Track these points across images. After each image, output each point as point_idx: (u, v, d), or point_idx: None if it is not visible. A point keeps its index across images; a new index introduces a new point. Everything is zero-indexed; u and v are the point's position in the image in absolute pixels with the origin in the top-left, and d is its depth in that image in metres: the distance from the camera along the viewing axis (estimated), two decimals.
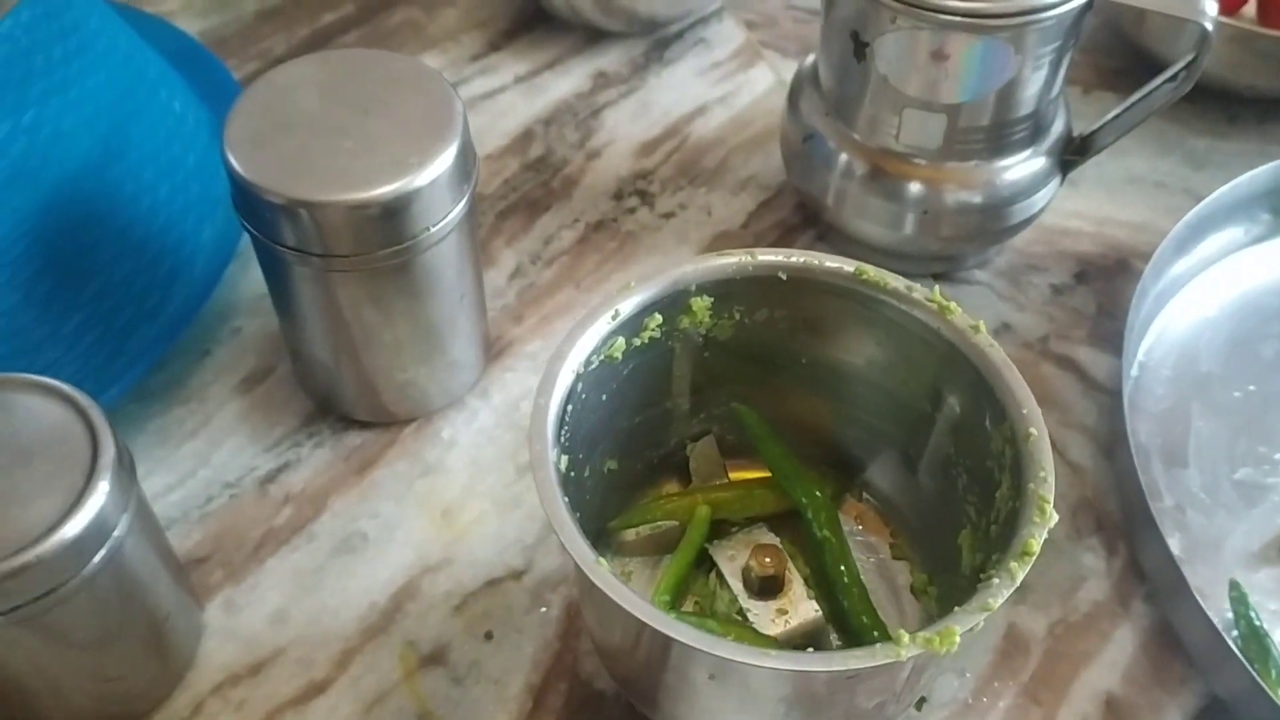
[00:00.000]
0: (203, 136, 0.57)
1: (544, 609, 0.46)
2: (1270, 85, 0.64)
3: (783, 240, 0.59)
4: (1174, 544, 0.48)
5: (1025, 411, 0.35)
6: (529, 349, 0.54)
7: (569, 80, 0.67)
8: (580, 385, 0.36)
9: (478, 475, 0.49)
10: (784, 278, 0.39)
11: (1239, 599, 0.45)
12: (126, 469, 0.37)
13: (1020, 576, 0.31)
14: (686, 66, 0.68)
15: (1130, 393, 0.52)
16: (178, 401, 0.51)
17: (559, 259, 0.58)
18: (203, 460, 0.49)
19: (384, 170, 0.42)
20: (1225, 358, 0.54)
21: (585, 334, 0.37)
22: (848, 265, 0.39)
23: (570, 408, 0.36)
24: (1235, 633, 0.45)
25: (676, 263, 0.39)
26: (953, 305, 0.38)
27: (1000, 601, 0.31)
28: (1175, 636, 0.45)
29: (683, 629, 0.30)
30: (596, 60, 0.68)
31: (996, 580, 0.31)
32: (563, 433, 0.35)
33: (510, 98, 0.65)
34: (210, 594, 0.46)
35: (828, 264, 0.39)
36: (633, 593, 0.30)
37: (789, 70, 0.67)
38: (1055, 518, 0.33)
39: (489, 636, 0.45)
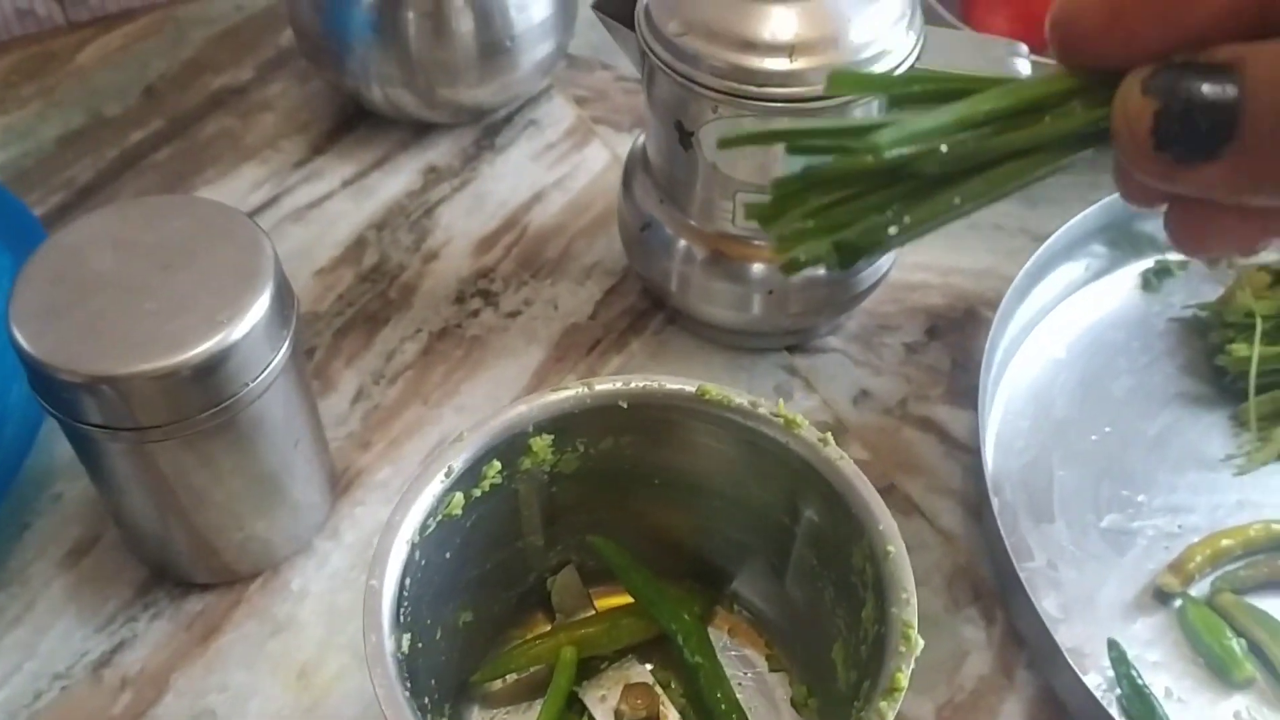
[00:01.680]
0: (5, 286, 0.52)
1: None
2: None
3: (633, 327, 0.58)
4: (1050, 604, 0.47)
5: (882, 528, 0.34)
6: (379, 477, 0.51)
7: (399, 179, 0.64)
8: (418, 553, 0.34)
9: (334, 626, 0.46)
10: (625, 405, 0.37)
11: (1119, 659, 0.45)
12: None
13: (891, 717, 0.30)
14: (519, 151, 0.66)
15: (992, 449, 0.52)
16: None
17: (403, 374, 0.55)
18: (29, 652, 0.45)
19: (192, 330, 0.39)
20: (1079, 400, 0.55)
21: (418, 499, 0.34)
22: (689, 386, 0.37)
23: (408, 580, 0.34)
24: (1119, 692, 0.45)
25: (507, 403, 0.37)
26: (799, 419, 0.37)
27: None
28: (1061, 703, 0.45)
29: None
30: (425, 154, 0.66)
31: None
32: (402, 611, 0.33)
33: (339, 204, 0.63)
34: None
35: (668, 386, 0.37)
36: None
37: (623, 145, 0.66)
38: (920, 644, 0.32)
39: None
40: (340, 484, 0.51)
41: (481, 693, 0.41)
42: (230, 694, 0.44)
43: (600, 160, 0.66)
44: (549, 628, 0.42)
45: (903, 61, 0.47)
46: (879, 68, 0.46)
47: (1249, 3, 0.21)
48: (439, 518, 0.35)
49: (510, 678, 0.41)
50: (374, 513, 0.50)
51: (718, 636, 0.42)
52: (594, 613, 0.42)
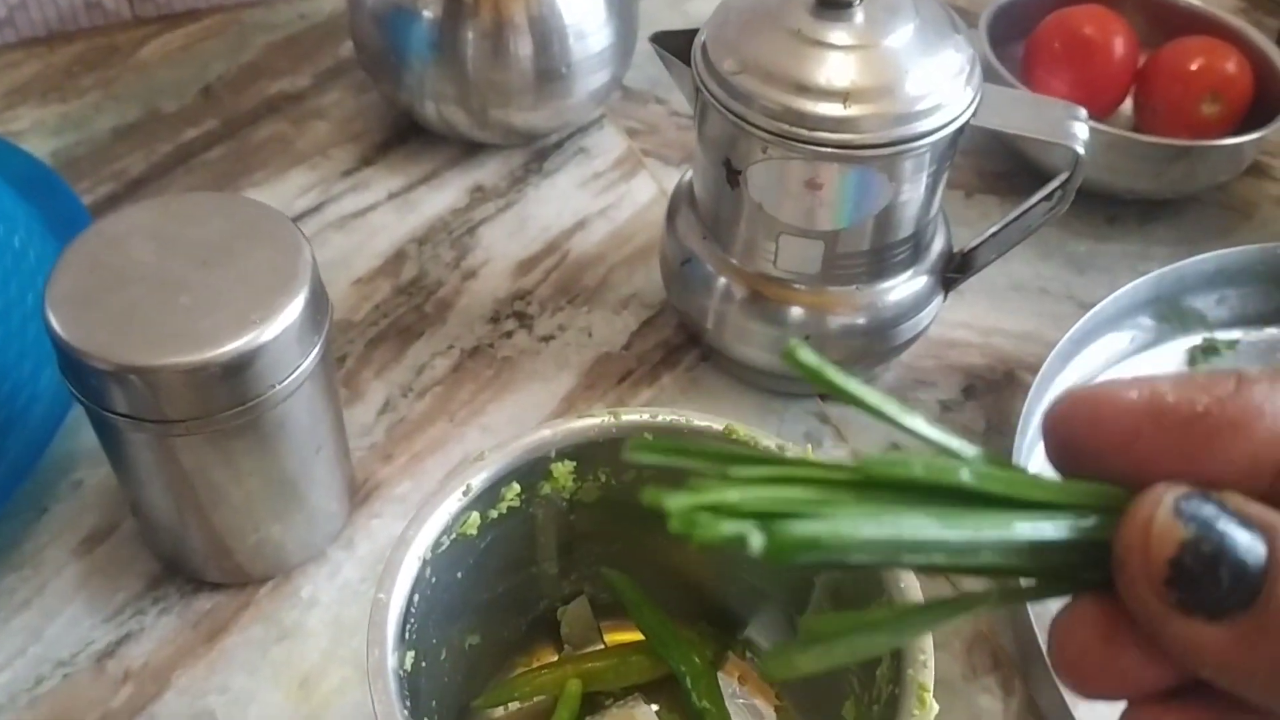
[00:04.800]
0: (45, 273, 0.53)
1: None
2: (1149, 187, 0.64)
3: (666, 361, 0.57)
4: None
5: (903, 585, 0.33)
6: (398, 491, 0.51)
7: (445, 195, 0.64)
8: (429, 570, 0.34)
9: (340, 638, 0.46)
10: (650, 438, 0.37)
11: None
12: None
13: None
14: (567, 177, 0.66)
15: None
16: (10, 568, 0.47)
17: (432, 390, 0.55)
18: (34, 635, 0.45)
19: (224, 328, 0.39)
20: None
21: (434, 514, 0.34)
22: (716, 424, 0.37)
23: (417, 597, 0.33)
24: None
25: (535, 427, 0.36)
26: None
27: None
28: None
29: None
30: (473, 173, 0.66)
31: None
32: (408, 628, 0.32)
33: (383, 216, 0.63)
34: None
35: (696, 422, 0.37)
36: None
37: (671, 179, 0.66)
38: (936, 708, 0.31)
39: None
40: (359, 494, 0.50)
41: (482, 718, 0.40)
42: (230, 696, 0.44)
43: (647, 193, 0.66)
44: (556, 658, 0.42)
45: (958, 116, 0.46)
46: (934, 121, 0.46)
47: (1267, 467, 0.19)
48: (453, 536, 0.34)
49: (513, 705, 0.40)
50: (390, 526, 0.50)
51: (727, 683, 0.41)
52: (603, 647, 0.42)
